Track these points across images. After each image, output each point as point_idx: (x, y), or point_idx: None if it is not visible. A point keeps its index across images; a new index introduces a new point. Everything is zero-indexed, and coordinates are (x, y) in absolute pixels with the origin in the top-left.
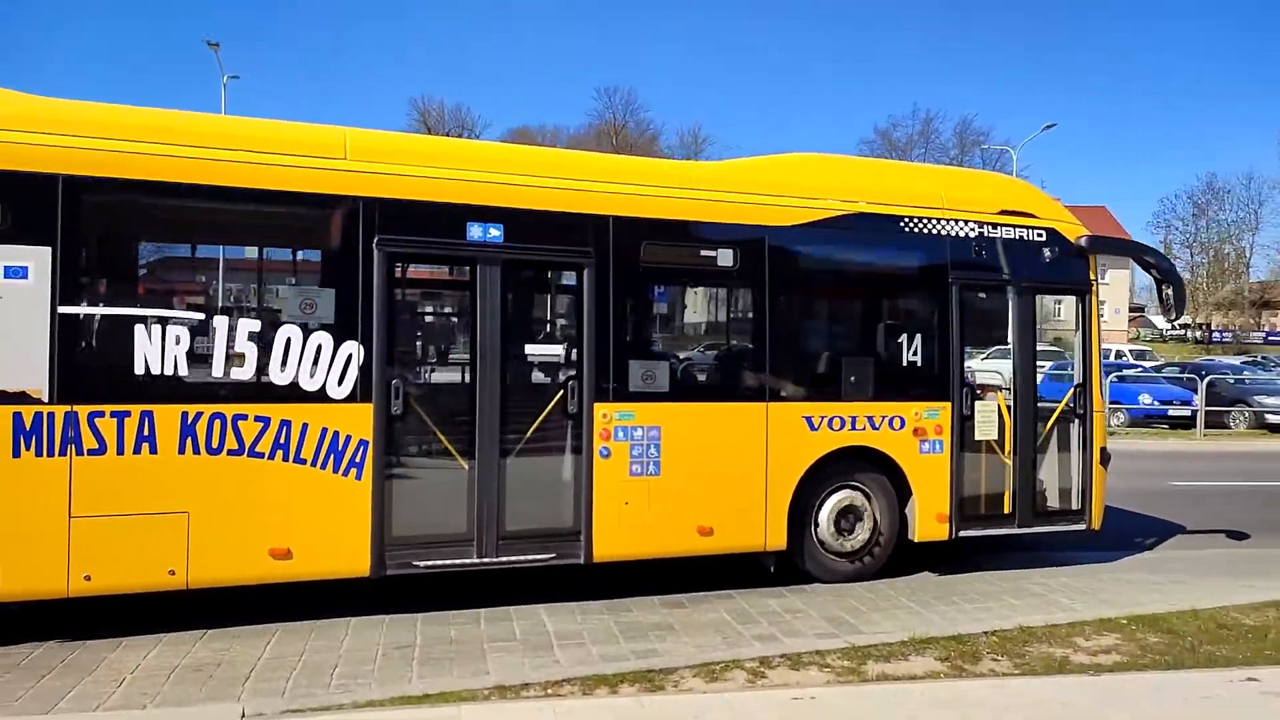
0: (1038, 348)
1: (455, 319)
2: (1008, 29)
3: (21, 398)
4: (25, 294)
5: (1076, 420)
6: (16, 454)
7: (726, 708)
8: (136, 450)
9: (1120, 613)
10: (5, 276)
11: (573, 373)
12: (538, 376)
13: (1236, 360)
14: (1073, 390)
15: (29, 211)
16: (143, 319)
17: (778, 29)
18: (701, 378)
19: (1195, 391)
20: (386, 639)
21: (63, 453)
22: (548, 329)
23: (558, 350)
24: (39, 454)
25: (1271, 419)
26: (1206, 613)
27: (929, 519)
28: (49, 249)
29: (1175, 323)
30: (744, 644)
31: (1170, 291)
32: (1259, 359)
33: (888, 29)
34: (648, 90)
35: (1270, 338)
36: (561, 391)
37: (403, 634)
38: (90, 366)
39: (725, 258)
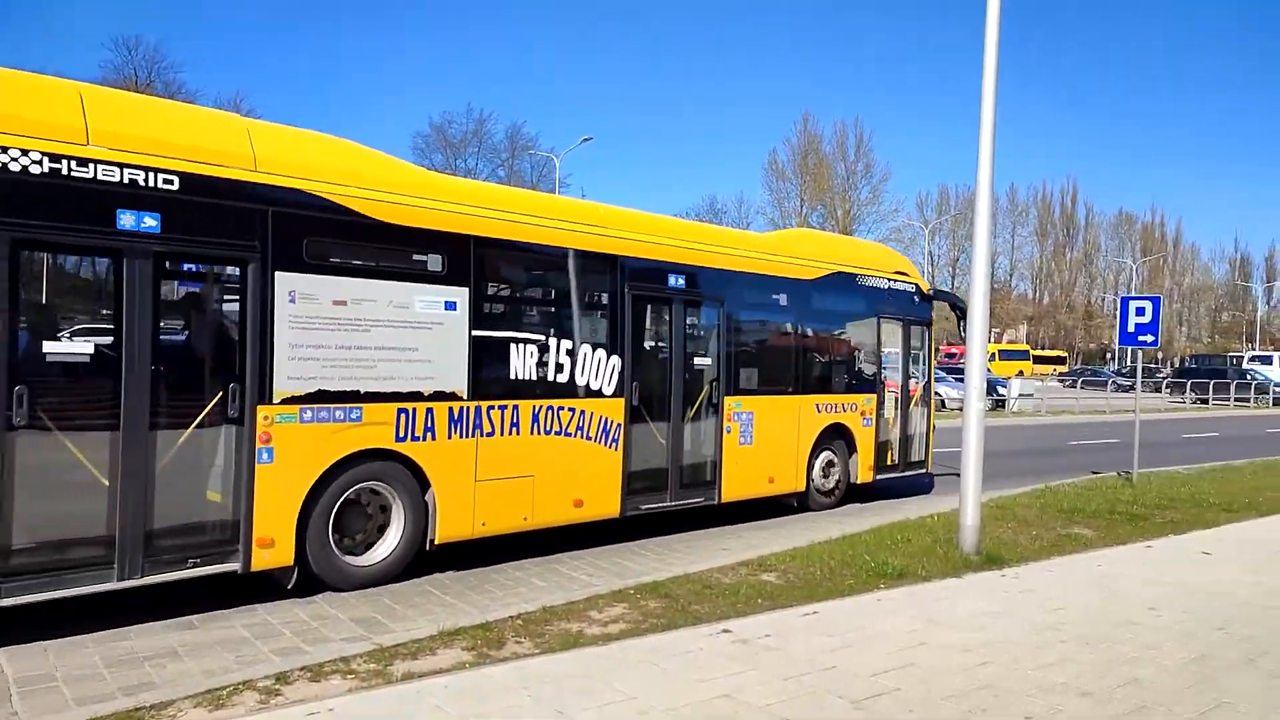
0: (910, 360)
1: (659, 339)
2: (552, 40)
3: (453, 396)
4: (455, 322)
5: (923, 404)
6: (449, 437)
7: None
8: (509, 432)
9: (628, 583)
10: (445, 309)
11: (714, 376)
12: (698, 378)
13: None
14: (922, 385)
15: (456, 261)
16: (514, 339)
17: (330, 10)
18: (770, 379)
19: None
20: None
21: (473, 435)
22: (702, 346)
23: (709, 360)
24: (461, 436)
25: None
26: (695, 576)
27: (865, 469)
28: (466, 289)
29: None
30: (261, 660)
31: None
32: None
33: (444, 21)
34: (181, 48)
35: None
36: (708, 387)
37: None
38: (487, 373)
39: (781, 300)
